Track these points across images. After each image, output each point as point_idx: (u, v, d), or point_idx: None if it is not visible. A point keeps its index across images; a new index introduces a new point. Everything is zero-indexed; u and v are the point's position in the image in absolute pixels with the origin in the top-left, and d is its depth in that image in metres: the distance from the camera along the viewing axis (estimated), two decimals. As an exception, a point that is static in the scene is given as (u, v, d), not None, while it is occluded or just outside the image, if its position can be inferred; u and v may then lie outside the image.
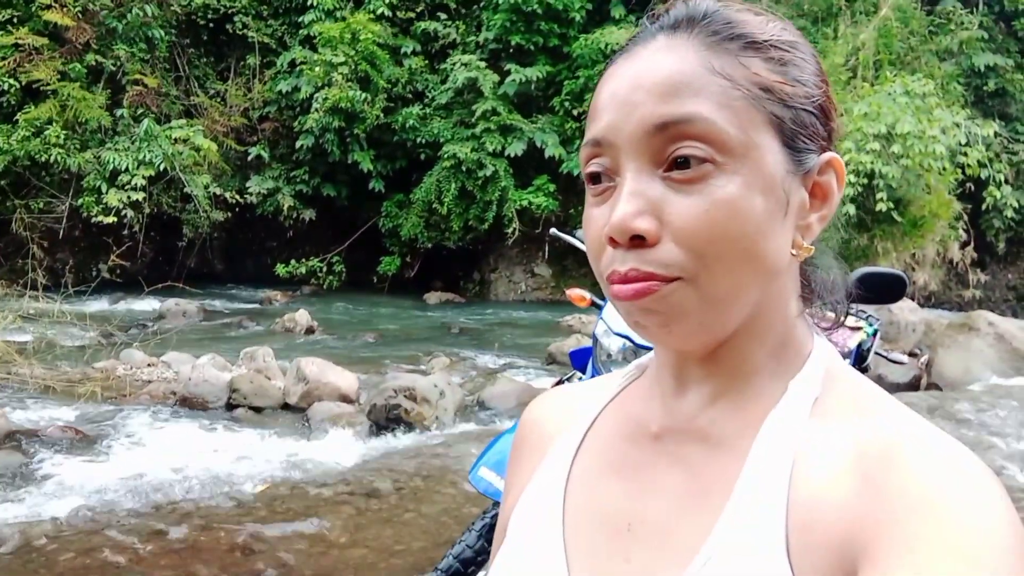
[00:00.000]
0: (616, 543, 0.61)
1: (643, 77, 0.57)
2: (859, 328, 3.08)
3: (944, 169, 12.34)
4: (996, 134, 14.13)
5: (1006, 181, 14.82)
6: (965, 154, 13.08)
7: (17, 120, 12.45)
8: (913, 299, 10.96)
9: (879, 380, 7.01)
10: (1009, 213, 14.79)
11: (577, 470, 0.67)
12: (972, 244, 15.15)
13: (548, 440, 0.71)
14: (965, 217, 14.47)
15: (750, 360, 0.60)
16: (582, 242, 2.78)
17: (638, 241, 0.55)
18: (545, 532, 0.64)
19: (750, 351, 0.60)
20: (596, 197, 0.59)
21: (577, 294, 2.61)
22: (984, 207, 14.89)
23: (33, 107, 12.52)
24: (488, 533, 2.20)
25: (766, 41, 0.58)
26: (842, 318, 0.67)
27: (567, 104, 14.45)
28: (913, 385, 7.28)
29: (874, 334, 3.14)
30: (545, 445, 0.71)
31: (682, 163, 0.55)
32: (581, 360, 2.52)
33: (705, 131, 0.55)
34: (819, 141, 0.60)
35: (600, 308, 2.38)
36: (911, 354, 7.84)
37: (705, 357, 0.60)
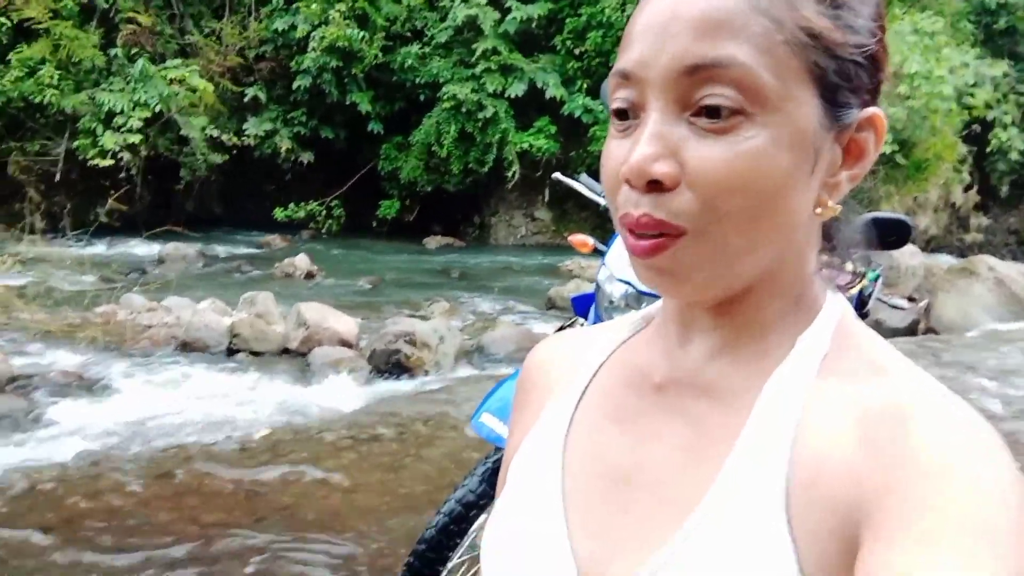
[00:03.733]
0: (614, 493, 0.60)
1: (683, 9, 0.53)
2: (861, 274, 3.07)
3: (950, 110, 12.20)
4: (1005, 74, 13.92)
5: (1013, 123, 14.64)
6: (972, 95, 12.91)
7: (9, 60, 12.23)
8: (914, 243, 10.93)
9: (877, 325, 7.04)
10: (1014, 156, 14.66)
11: (579, 418, 0.66)
12: (976, 187, 15.06)
13: (551, 385, 0.70)
14: (970, 160, 14.36)
15: (761, 315, 0.59)
16: (586, 187, 2.74)
17: (655, 185, 0.53)
18: (544, 480, 0.63)
19: (762, 306, 0.58)
20: (618, 131, 0.57)
21: (580, 239, 2.59)
22: (989, 149, 14.75)
23: (25, 46, 12.28)
24: (490, 477, 2.22)
25: None
26: (860, 275, 0.65)
27: (569, 43, 14.18)
28: (911, 330, 7.31)
29: (875, 279, 3.13)
30: (548, 390, 0.70)
31: (711, 111, 0.52)
32: (583, 306, 2.51)
33: (739, 77, 0.51)
34: (862, 95, 0.56)
35: (603, 254, 2.36)
36: (910, 299, 7.86)
37: (714, 309, 0.59)
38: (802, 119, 0.53)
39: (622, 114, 0.56)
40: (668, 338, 0.63)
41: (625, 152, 0.55)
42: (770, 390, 0.56)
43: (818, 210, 0.56)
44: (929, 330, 7.30)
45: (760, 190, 0.52)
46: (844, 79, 0.55)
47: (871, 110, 0.57)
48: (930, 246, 13.95)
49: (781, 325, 0.58)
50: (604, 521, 0.59)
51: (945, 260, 10.97)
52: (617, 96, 0.56)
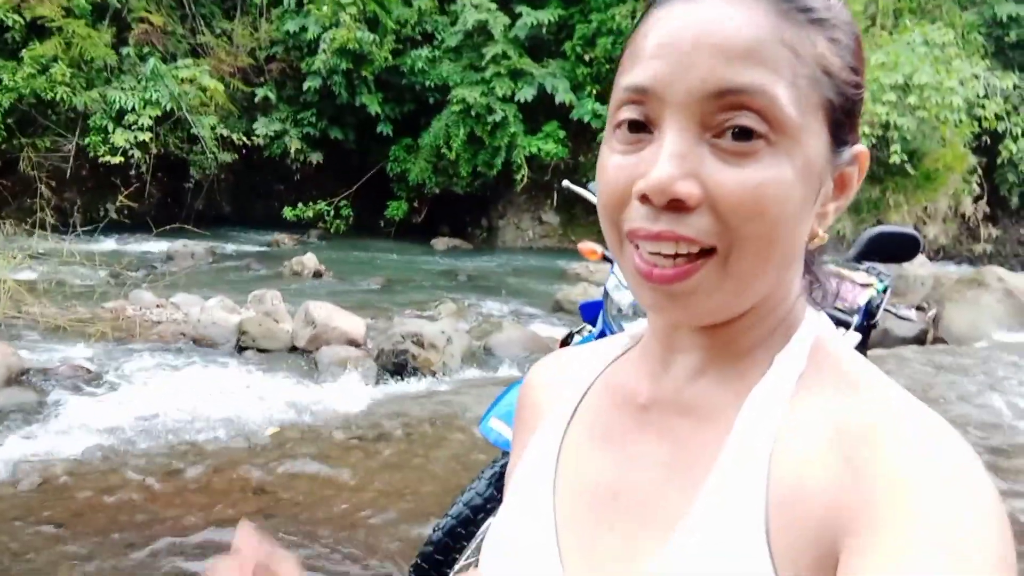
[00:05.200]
0: (602, 511, 0.62)
1: (709, 31, 0.53)
2: (870, 284, 3.08)
3: (960, 121, 12.19)
4: (1015, 86, 13.88)
5: (1023, 135, 14.60)
6: (983, 106, 12.89)
7: (22, 57, 12.31)
8: (923, 253, 10.90)
9: (885, 334, 7.03)
10: (1024, 167, 14.62)
11: (569, 439, 0.67)
12: (985, 198, 15.01)
13: (546, 405, 0.72)
14: (979, 171, 14.33)
15: (745, 336, 0.60)
16: (595, 195, 2.76)
17: (675, 204, 0.53)
18: (537, 498, 0.65)
19: (748, 329, 0.59)
20: (624, 145, 0.56)
21: (589, 247, 2.60)
22: (999, 161, 14.71)
23: (38, 44, 12.37)
24: (497, 481, 2.23)
25: (830, 19, 0.55)
26: (830, 300, 0.65)
27: (579, 49, 14.21)
28: (919, 339, 7.30)
29: (884, 290, 3.14)
30: (544, 410, 0.72)
31: (737, 134, 0.52)
32: (591, 313, 2.53)
33: (767, 106, 0.52)
34: (854, 132, 0.58)
35: (612, 262, 2.38)
36: (919, 308, 7.84)
37: (699, 329, 0.60)
38: (814, 152, 0.54)
39: (634, 126, 0.56)
40: (652, 358, 0.64)
41: (634, 167, 0.55)
42: (748, 409, 0.57)
43: (807, 237, 0.58)
44: (937, 339, 7.29)
45: (777, 218, 0.53)
46: (847, 117, 0.57)
47: (859, 147, 0.59)
48: (939, 256, 13.93)
49: (761, 345, 0.60)
50: (592, 538, 0.61)
51: (954, 270, 10.95)
52: (628, 109, 0.56)
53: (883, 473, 0.49)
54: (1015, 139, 14.39)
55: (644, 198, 0.54)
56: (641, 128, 0.55)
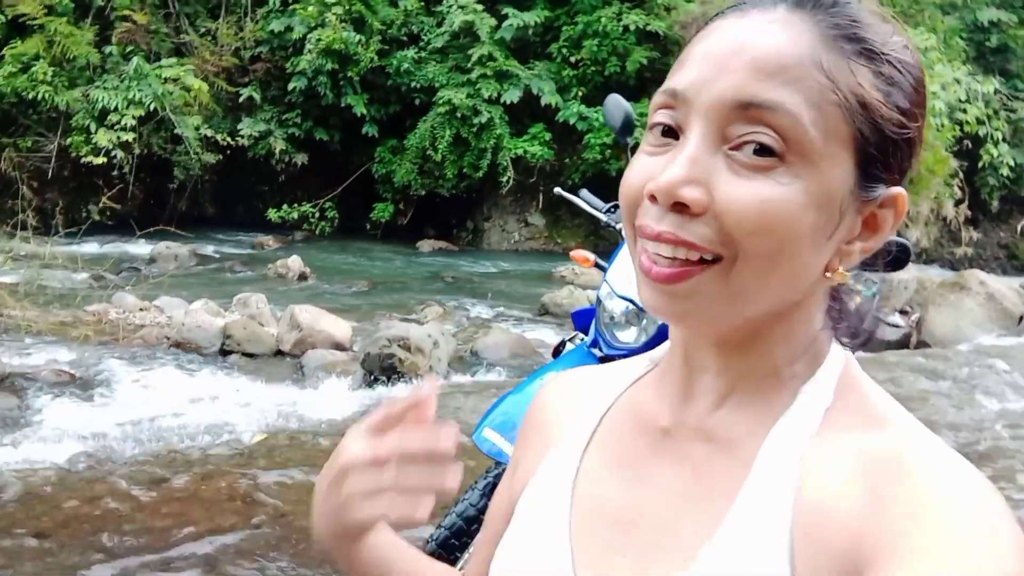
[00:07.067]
0: (619, 537, 0.61)
1: (747, 45, 0.55)
2: (858, 291, 3.10)
3: (942, 126, 12.29)
4: (996, 91, 14.04)
5: (1003, 139, 14.76)
6: (964, 111, 13.01)
7: (3, 55, 12.17)
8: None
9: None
10: (1004, 171, 14.77)
11: (587, 460, 0.67)
12: (966, 202, 15.15)
13: (560, 425, 0.72)
14: (961, 175, 14.46)
15: (766, 364, 0.60)
16: (586, 203, 2.75)
17: (680, 207, 0.54)
18: (552, 520, 0.65)
19: (768, 356, 0.60)
20: (653, 147, 0.58)
21: (581, 255, 2.60)
22: (980, 165, 14.86)
23: (19, 42, 12.22)
24: (491, 492, 2.22)
25: (883, 54, 0.56)
26: (860, 340, 0.65)
27: (565, 51, 14.21)
28: (903, 343, 7.35)
29: (872, 296, 3.16)
30: (557, 429, 0.72)
31: (754, 150, 0.53)
32: (583, 321, 2.52)
33: (786, 125, 0.53)
34: (892, 173, 0.58)
35: (604, 269, 2.37)
36: (902, 312, 7.90)
37: (720, 355, 0.60)
38: (834, 181, 0.54)
39: (665, 131, 0.58)
40: (674, 383, 0.64)
41: (655, 168, 0.56)
42: (773, 441, 0.57)
43: (828, 274, 0.58)
44: (921, 343, 7.35)
45: (780, 238, 0.53)
46: (881, 154, 0.56)
47: (896, 189, 0.58)
48: (921, 259, 14.04)
49: (786, 376, 0.60)
50: (606, 563, 0.61)
51: (936, 273, 11.04)
52: (661, 113, 0.58)
53: (907, 504, 0.49)
54: (996, 143, 14.55)
55: (652, 197, 0.55)
56: (671, 134, 0.57)
